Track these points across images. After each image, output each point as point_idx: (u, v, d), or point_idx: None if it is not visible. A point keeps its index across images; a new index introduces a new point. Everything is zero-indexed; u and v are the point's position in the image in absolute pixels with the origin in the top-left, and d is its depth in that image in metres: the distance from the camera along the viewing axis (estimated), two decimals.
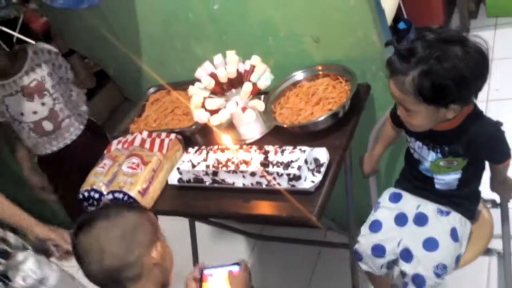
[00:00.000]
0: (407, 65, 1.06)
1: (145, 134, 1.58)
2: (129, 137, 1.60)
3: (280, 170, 1.25)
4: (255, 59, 1.49)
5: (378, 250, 1.35)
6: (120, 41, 1.83)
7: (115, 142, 1.62)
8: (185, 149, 1.53)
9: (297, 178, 1.24)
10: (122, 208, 1.07)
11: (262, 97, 1.58)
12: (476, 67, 1.03)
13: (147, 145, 1.52)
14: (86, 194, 1.46)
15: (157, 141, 1.54)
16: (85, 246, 1.00)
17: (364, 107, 1.47)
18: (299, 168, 1.23)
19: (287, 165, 1.25)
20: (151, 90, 1.87)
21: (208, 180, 1.39)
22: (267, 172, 1.27)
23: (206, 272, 1.15)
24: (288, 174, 1.24)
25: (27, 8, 2.56)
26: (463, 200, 1.29)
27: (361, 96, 1.48)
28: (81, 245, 1.01)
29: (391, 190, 1.42)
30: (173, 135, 1.55)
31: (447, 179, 1.27)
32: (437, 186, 1.30)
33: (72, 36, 1.93)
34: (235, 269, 1.13)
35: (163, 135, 1.56)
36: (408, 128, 1.20)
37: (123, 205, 1.08)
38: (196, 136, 1.61)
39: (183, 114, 1.66)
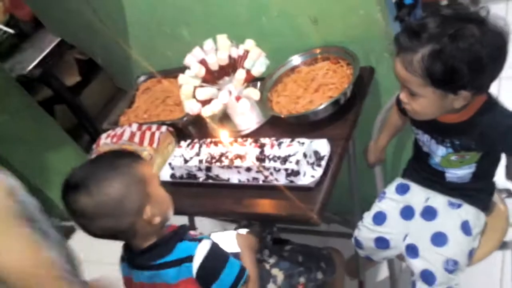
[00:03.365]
0: (417, 42, 0.94)
1: (134, 126, 1.49)
2: (118, 130, 1.51)
3: (277, 165, 1.16)
4: (249, 43, 1.38)
5: (382, 242, 1.27)
6: (106, 27, 1.72)
7: (104, 135, 1.53)
8: (178, 142, 1.44)
9: (296, 173, 1.15)
10: (109, 171, 1.00)
11: (259, 83, 1.47)
12: (494, 50, 0.92)
13: (136, 139, 1.43)
14: None
15: (147, 134, 1.44)
16: (77, 207, 0.98)
17: (367, 92, 1.36)
18: (297, 162, 1.14)
19: (284, 160, 1.16)
20: (141, 78, 1.76)
21: (201, 176, 1.30)
22: (264, 167, 1.18)
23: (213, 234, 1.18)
24: (286, 169, 1.15)
25: None
26: (476, 192, 1.20)
27: (364, 80, 1.37)
28: (74, 206, 0.98)
29: (398, 180, 1.33)
30: (164, 128, 1.46)
31: (460, 173, 1.17)
32: (448, 179, 1.20)
33: (56, 24, 1.83)
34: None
35: (154, 127, 1.47)
36: (410, 115, 1.10)
37: (110, 164, 1.01)
38: (189, 128, 1.52)
39: (174, 104, 1.56)
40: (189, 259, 1.02)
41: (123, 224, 0.99)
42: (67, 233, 2.46)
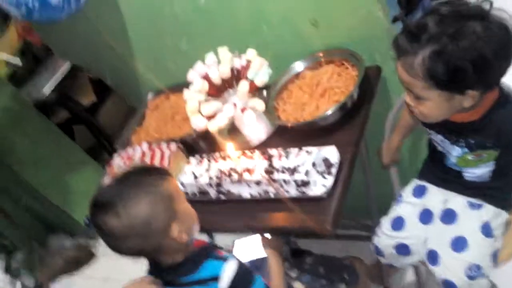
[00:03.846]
0: (417, 44, 0.90)
1: (145, 146, 1.49)
2: (129, 151, 1.52)
3: (287, 176, 1.14)
4: (251, 53, 1.37)
5: (402, 249, 1.23)
6: (111, 46, 1.73)
7: (115, 157, 1.54)
8: (189, 158, 1.44)
9: (306, 184, 1.12)
10: (135, 191, 0.99)
11: (265, 92, 1.45)
12: (499, 46, 0.87)
13: (147, 159, 1.43)
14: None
15: (158, 153, 1.44)
16: (105, 228, 0.98)
17: (375, 93, 1.32)
18: (306, 173, 1.11)
19: (293, 171, 1.13)
20: (150, 95, 1.77)
21: (213, 192, 1.29)
22: (273, 180, 1.16)
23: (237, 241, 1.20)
24: (296, 181, 1.13)
25: (19, 23, 2.50)
26: (497, 190, 1.14)
27: (371, 80, 1.33)
28: (103, 227, 0.98)
29: (415, 182, 1.28)
30: (173, 145, 1.45)
31: (478, 172, 1.12)
32: (466, 179, 1.15)
33: (63, 48, 1.86)
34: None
35: (164, 145, 1.46)
36: (419, 118, 1.06)
37: (137, 184, 1.00)
38: (200, 143, 1.51)
39: (183, 120, 1.56)
40: (216, 279, 1.01)
41: (150, 243, 0.99)
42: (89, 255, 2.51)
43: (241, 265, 1.04)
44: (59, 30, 1.73)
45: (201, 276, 1.03)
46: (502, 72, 0.91)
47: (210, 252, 1.06)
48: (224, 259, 1.04)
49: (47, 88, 2.70)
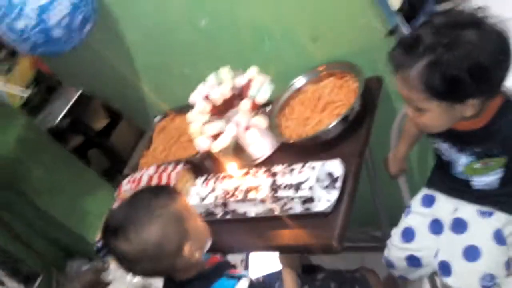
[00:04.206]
0: (412, 57, 0.90)
1: (152, 169, 1.51)
2: (137, 175, 1.53)
3: (291, 193, 1.13)
4: (252, 71, 1.38)
5: (413, 261, 1.21)
6: (118, 73, 1.76)
7: (125, 182, 1.56)
8: (196, 178, 1.45)
9: (310, 200, 1.11)
10: (146, 214, 0.99)
11: (268, 108, 1.46)
12: (495, 53, 0.86)
13: (154, 182, 1.44)
14: (100, 245, 1.41)
15: (164, 175, 1.45)
16: (118, 252, 1.00)
17: (377, 103, 1.31)
18: (310, 188, 1.11)
19: (297, 187, 1.13)
20: (157, 118, 1.79)
21: (219, 212, 1.29)
22: (277, 197, 1.15)
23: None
24: (300, 197, 1.12)
25: (30, 55, 2.56)
26: (507, 197, 1.11)
27: (372, 92, 1.32)
28: (115, 250, 1.00)
29: (423, 191, 1.26)
30: (180, 166, 1.46)
31: (487, 180, 1.09)
32: (475, 187, 1.13)
33: (71, 76, 1.90)
34: None
35: (170, 167, 1.48)
36: (422, 130, 1.04)
37: (147, 207, 1.00)
38: (205, 163, 1.52)
39: (188, 141, 1.57)
40: None
41: (163, 264, 1.00)
42: None
43: (252, 285, 1.03)
44: (66, 60, 1.77)
45: None
46: (501, 78, 0.90)
47: (223, 270, 1.07)
48: (238, 278, 1.04)
49: (61, 115, 2.76)
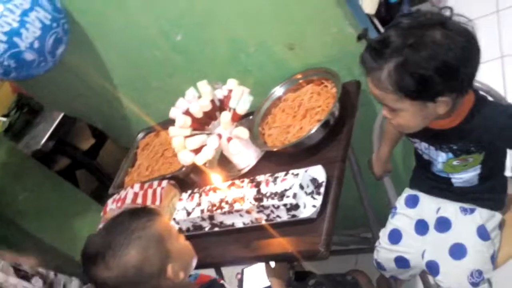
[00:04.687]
0: (381, 59, 0.91)
1: (136, 187, 1.49)
2: (122, 193, 1.52)
3: (276, 202, 1.13)
4: (231, 83, 1.38)
5: (402, 262, 1.22)
6: (96, 92, 1.76)
7: (110, 201, 1.54)
8: (182, 191, 1.44)
9: (295, 207, 1.11)
10: (124, 238, 0.97)
11: (251, 117, 1.46)
12: (461, 51, 0.87)
13: (139, 200, 1.43)
14: None
15: (149, 192, 1.44)
16: (98, 280, 0.97)
17: (357, 107, 1.33)
18: (294, 196, 1.11)
19: (281, 195, 1.13)
20: (140, 135, 1.78)
21: (207, 226, 1.28)
22: (263, 206, 1.15)
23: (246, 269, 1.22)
24: (285, 205, 1.12)
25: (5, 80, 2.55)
26: (488, 192, 1.13)
27: (351, 96, 1.33)
28: (95, 278, 0.98)
29: (407, 192, 1.27)
30: (165, 182, 1.46)
31: (466, 176, 1.11)
32: (455, 185, 1.14)
33: (51, 99, 1.88)
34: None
35: (155, 184, 1.47)
36: (399, 130, 1.06)
37: (124, 231, 0.97)
38: (191, 176, 1.51)
39: (173, 155, 1.57)
40: None
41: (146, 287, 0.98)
42: None
43: None
44: (44, 83, 1.76)
45: None
46: (470, 75, 0.91)
47: None
48: None
49: (45, 138, 2.74)
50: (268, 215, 1.17)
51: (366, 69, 0.95)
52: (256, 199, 1.16)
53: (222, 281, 1.13)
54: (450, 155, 1.06)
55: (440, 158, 1.09)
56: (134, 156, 1.73)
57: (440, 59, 0.86)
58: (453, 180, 1.13)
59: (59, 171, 2.88)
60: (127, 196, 1.48)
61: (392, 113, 0.99)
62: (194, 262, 1.07)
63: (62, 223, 2.62)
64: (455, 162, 1.07)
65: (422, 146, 1.12)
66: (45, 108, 2.65)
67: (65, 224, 2.63)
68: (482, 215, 1.11)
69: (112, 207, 1.50)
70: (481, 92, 1.03)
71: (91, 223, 2.61)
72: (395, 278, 1.31)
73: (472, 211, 1.12)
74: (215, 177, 1.25)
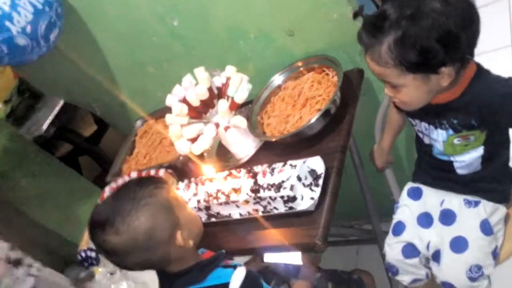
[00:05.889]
0: (380, 34, 0.88)
1: (133, 175, 1.47)
2: (120, 181, 1.50)
3: (272, 193, 1.10)
4: (230, 70, 1.34)
5: (409, 250, 1.17)
6: (93, 79, 1.72)
7: (107, 189, 1.52)
8: (180, 180, 1.42)
9: (293, 199, 1.08)
10: (132, 205, 0.96)
11: (250, 106, 1.43)
12: (462, 18, 0.84)
13: None
14: (83, 254, 1.38)
15: None
16: (107, 247, 0.96)
17: (358, 96, 1.28)
18: (292, 188, 1.08)
19: (278, 187, 1.10)
20: (138, 123, 1.76)
21: (203, 216, 1.26)
22: (260, 198, 1.12)
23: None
24: (282, 197, 1.09)
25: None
26: (492, 183, 1.09)
27: (353, 84, 1.29)
28: (104, 245, 0.97)
29: (409, 185, 1.24)
30: (162, 171, 1.43)
31: (468, 159, 1.07)
32: (458, 171, 1.10)
33: (48, 85, 1.86)
34: None
35: (152, 172, 1.45)
36: (403, 108, 1.02)
37: (133, 197, 0.97)
38: (189, 165, 1.49)
39: (170, 144, 1.54)
40: (225, 286, 0.99)
41: (156, 254, 0.97)
42: None
43: (250, 272, 1.01)
44: (39, 69, 1.74)
45: (209, 284, 1.00)
46: (472, 42, 0.88)
47: (219, 261, 1.04)
48: (233, 267, 1.02)
49: (46, 124, 2.72)
50: (265, 207, 1.14)
51: (365, 46, 0.92)
52: (252, 190, 1.14)
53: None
54: (451, 131, 1.03)
55: (440, 137, 1.05)
56: (133, 143, 1.71)
57: (440, 28, 0.83)
58: (455, 165, 1.09)
59: (62, 157, 2.87)
60: None
61: (394, 90, 0.96)
62: (201, 232, 1.07)
63: (65, 209, 2.62)
64: (456, 140, 1.03)
65: (422, 126, 1.08)
66: (45, 95, 2.62)
67: (68, 209, 2.62)
68: (486, 209, 1.07)
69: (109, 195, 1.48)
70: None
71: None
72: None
73: (476, 204, 1.09)
74: (211, 167, 1.22)
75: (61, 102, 2.71)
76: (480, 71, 0.97)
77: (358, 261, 1.88)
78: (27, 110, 2.89)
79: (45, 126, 2.69)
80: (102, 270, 1.62)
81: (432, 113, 1.03)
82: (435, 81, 0.91)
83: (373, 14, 0.90)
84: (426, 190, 1.19)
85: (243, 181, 1.18)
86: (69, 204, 2.64)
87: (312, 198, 1.09)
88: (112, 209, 0.97)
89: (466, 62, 0.92)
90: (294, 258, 1.17)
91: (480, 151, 1.05)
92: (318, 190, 1.10)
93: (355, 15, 0.96)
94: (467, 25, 0.86)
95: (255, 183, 1.15)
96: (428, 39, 0.84)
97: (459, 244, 1.05)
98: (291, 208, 1.10)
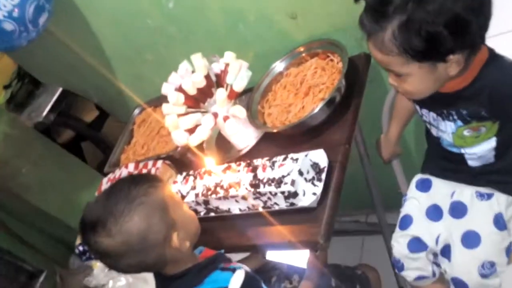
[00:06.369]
0: (383, 19, 0.81)
1: (131, 167, 1.42)
2: (117, 173, 1.45)
3: (273, 189, 1.04)
4: (228, 56, 1.27)
5: (415, 245, 1.11)
6: (90, 65, 1.66)
7: (104, 180, 1.48)
8: (179, 173, 1.36)
9: (294, 194, 1.02)
10: (126, 204, 0.91)
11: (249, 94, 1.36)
12: (472, 1, 0.76)
13: None
14: (81, 248, 1.34)
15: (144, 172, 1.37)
16: (99, 249, 0.92)
17: (365, 83, 1.21)
18: (293, 183, 1.02)
19: (279, 182, 1.04)
20: (137, 111, 1.70)
21: (202, 210, 1.21)
22: (259, 193, 1.07)
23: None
24: (283, 192, 1.03)
25: None
26: (505, 175, 1.02)
27: (359, 70, 1.21)
28: (96, 247, 0.92)
29: (418, 176, 1.17)
30: (160, 163, 1.37)
31: (480, 151, 1.00)
32: (470, 162, 1.03)
33: (44, 71, 1.80)
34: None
35: (150, 164, 1.39)
36: (407, 97, 0.95)
37: (126, 196, 0.92)
38: (188, 156, 1.43)
39: (168, 134, 1.47)
40: None
41: (151, 257, 0.93)
42: None
43: (248, 276, 0.96)
44: (34, 55, 1.67)
45: (206, 287, 0.96)
46: (482, 27, 0.81)
47: (217, 263, 1.00)
48: (232, 270, 0.97)
49: (47, 110, 2.67)
50: (265, 202, 1.09)
51: (367, 32, 0.85)
52: (252, 185, 1.08)
53: (228, 256, 1.07)
54: (459, 122, 0.96)
55: (449, 128, 0.98)
56: (131, 132, 1.65)
57: (449, 12, 0.75)
58: (466, 157, 1.02)
59: (64, 144, 2.83)
60: (121, 175, 1.41)
61: (399, 79, 0.89)
62: (199, 233, 1.02)
63: (68, 196, 2.59)
64: (465, 132, 0.96)
65: (430, 117, 1.01)
66: (42, 83, 2.57)
67: (71, 196, 2.60)
68: (499, 202, 1.01)
69: (107, 187, 1.43)
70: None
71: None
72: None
73: (489, 196, 1.02)
74: (209, 161, 1.16)
75: (61, 88, 2.67)
76: (493, 56, 0.89)
77: (363, 254, 1.82)
78: (28, 96, 2.84)
79: (45, 112, 2.64)
80: (100, 265, 1.59)
81: (440, 103, 0.96)
82: (442, 69, 0.84)
83: None
84: (436, 181, 1.12)
85: (242, 175, 1.12)
86: (72, 191, 2.62)
87: (314, 194, 1.03)
88: (104, 209, 0.92)
89: (476, 48, 0.84)
90: (299, 257, 1.11)
91: (492, 142, 0.98)
92: (320, 185, 1.04)
93: None
94: (478, 7, 0.78)
95: (255, 177, 1.09)
96: (434, 24, 0.76)
97: (471, 239, 1.00)
98: (292, 204, 1.04)
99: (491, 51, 0.90)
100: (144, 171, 1.37)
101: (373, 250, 1.77)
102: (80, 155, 2.88)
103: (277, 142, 1.24)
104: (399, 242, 1.12)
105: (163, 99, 1.50)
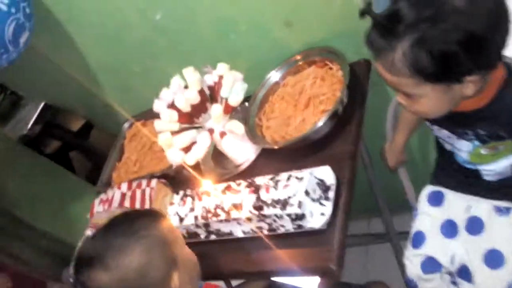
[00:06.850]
0: (392, 38, 0.74)
1: (124, 187, 1.35)
2: (110, 193, 1.38)
3: (278, 211, 0.98)
4: (222, 68, 1.20)
5: (429, 265, 1.06)
6: (74, 79, 1.58)
7: (96, 201, 1.41)
8: (174, 192, 1.30)
9: (301, 217, 0.97)
10: (125, 238, 0.86)
11: (247, 104, 1.29)
12: (489, 17, 0.70)
13: (127, 203, 1.29)
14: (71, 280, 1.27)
15: (138, 193, 1.30)
16: (94, 286, 0.85)
17: (367, 90, 1.15)
18: (299, 205, 0.96)
19: (284, 204, 0.98)
20: (126, 125, 1.62)
21: (202, 233, 1.15)
22: (264, 215, 1.01)
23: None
24: (289, 215, 0.97)
25: None
26: None
27: (360, 78, 1.16)
28: (90, 284, 0.86)
29: (429, 188, 1.11)
30: (154, 182, 1.31)
31: (497, 168, 0.95)
32: (486, 178, 0.98)
33: (28, 88, 1.71)
34: None
35: (144, 183, 1.32)
36: (418, 116, 0.89)
37: (126, 229, 0.86)
38: (183, 173, 1.36)
39: (162, 150, 1.40)
40: None
41: None
42: None
43: None
44: (17, 71, 1.58)
45: None
46: (500, 45, 0.74)
47: None
48: None
49: (31, 121, 2.58)
50: (270, 224, 1.03)
51: (375, 51, 0.78)
52: (255, 207, 1.02)
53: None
54: (477, 143, 0.90)
55: (465, 147, 0.93)
56: (121, 147, 1.58)
57: (465, 31, 0.69)
58: (483, 172, 0.97)
59: (52, 154, 2.74)
60: (114, 196, 1.34)
61: (409, 99, 0.82)
62: (199, 274, 0.96)
63: (57, 208, 2.51)
64: (483, 151, 0.91)
65: (443, 134, 0.95)
66: (26, 99, 2.47)
67: (60, 209, 2.52)
68: None
69: (99, 209, 1.37)
70: None
71: (87, 207, 2.50)
72: None
73: (508, 210, 0.97)
74: (206, 182, 1.10)
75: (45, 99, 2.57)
76: (511, 73, 0.83)
77: (367, 262, 1.78)
78: (11, 109, 2.74)
79: (30, 124, 2.55)
80: None
81: (454, 122, 0.90)
82: (458, 90, 0.78)
83: (385, 14, 0.74)
84: (449, 195, 1.07)
85: (244, 196, 1.05)
86: (61, 203, 2.53)
87: (322, 214, 0.98)
88: (103, 243, 0.86)
89: (493, 66, 0.78)
90: (308, 283, 1.06)
91: (511, 159, 0.93)
92: (329, 205, 0.98)
93: (362, 14, 0.81)
94: (495, 25, 0.72)
95: (258, 199, 1.03)
96: (448, 44, 0.70)
97: (494, 259, 0.94)
98: (299, 226, 0.99)
99: (509, 68, 0.84)
100: (138, 191, 1.31)
101: (378, 259, 1.73)
102: (68, 165, 2.80)
103: (278, 156, 1.18)
104: (412, 262, 1.07)
105: (154, 113, 1.43)
